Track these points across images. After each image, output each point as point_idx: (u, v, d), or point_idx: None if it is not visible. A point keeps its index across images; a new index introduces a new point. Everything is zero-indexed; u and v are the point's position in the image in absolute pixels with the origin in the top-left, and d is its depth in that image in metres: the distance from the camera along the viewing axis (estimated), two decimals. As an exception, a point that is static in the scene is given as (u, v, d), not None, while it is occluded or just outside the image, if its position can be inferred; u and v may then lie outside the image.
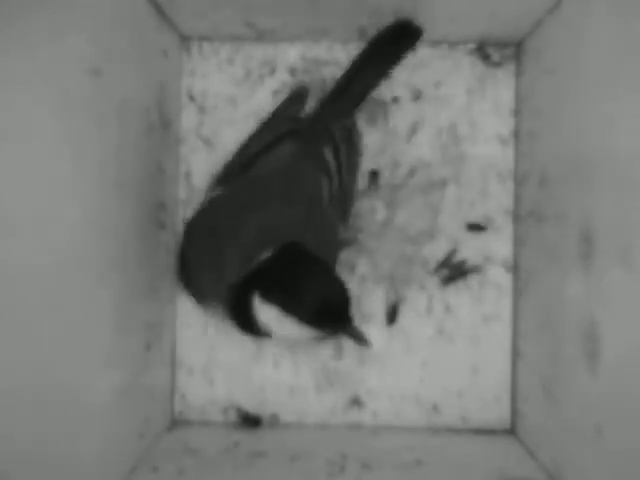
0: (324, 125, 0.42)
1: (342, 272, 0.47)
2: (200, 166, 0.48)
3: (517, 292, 0.47)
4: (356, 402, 0.48)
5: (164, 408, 0.46)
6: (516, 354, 0.47)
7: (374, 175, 0.47)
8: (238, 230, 0.37)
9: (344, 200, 0.42)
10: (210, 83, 0.48)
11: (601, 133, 0.33)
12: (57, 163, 0.30)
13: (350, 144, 0.43)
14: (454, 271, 0.47)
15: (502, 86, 0.48)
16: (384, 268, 0.48)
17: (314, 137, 0.41)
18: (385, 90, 0.48)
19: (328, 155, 0.41)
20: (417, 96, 0.48)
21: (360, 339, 0.38)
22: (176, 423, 0.47)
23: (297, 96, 0.45)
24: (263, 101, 0.48)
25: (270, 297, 0.35)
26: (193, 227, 0.40)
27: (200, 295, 0.40)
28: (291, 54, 0.48)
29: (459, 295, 0.48)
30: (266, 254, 0.36)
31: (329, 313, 0.36)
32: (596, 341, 0.33)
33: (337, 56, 0.48)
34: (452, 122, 0.48)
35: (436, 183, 0.48)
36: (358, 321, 0.47)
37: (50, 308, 0.29)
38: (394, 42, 0.42)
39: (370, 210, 0.47)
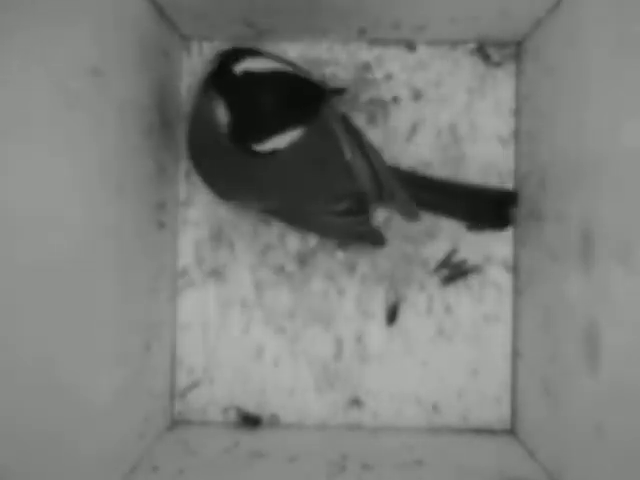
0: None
1: (342, 272, 0.48)
2: (200, 166, 0.48)
3: (517, 292, 0.47)
4: (356, 402, 0.48)
5: (164, 408, 0.46)
6: (516, 354, 0.47)
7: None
8: None
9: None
10: (210, 83, 0.48)
11: (601, 133, 0.33)
12: (57, 163, 0.30)
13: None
14: (454, 271, 0.47)
15: (502, 86, 0.48)
16: (384, 268, 0.48)
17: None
18: (385, 90, 0.48)
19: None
20: (417, 96, 0.48)
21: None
22: (176, 423, 0.47)
23: None
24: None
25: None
26: None
27: None
28: (291, 54, 0.48)
29: (459, 295, 0.48)
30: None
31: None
32: (596, 341, 0.33)
33: (337, 56, 0.48)
34: (452, 122, 0.48)
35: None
36: (359, 321, 0.48)
37: (50, 308, 0.29)
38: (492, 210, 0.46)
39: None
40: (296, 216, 0.44)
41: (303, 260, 0.48)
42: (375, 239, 0.45)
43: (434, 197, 0.45)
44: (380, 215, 0.47)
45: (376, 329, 0.48)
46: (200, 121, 0.39)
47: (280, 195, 0.41)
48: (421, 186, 0.45)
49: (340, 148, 0.41)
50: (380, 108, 0.48)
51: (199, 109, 0.39)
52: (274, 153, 0.37)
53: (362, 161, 0.42)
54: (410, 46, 0.48)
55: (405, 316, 0.48)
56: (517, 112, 0.47)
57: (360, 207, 0.43)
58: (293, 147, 0.38)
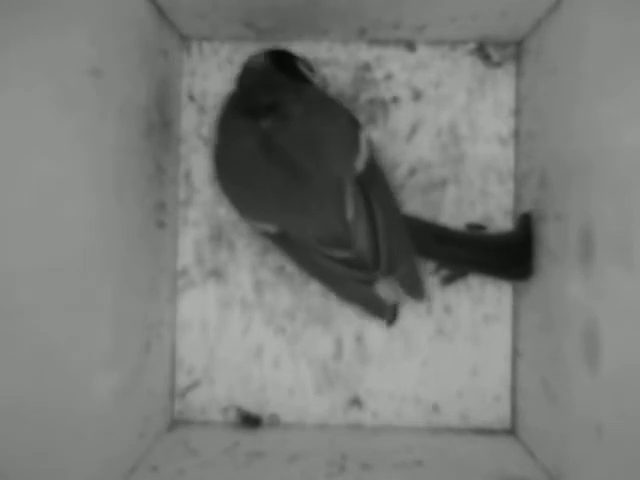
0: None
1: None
2: (200, 166, 0.48)
3: (517, 292, 0.47)
4: (356, 402, 0.48)
5: (164, 408, 0.46)
6: (516, 354, 0.47)
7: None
8: None
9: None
10: (210, 83, 0.48)
11: (601, 133, 0.33)
12: (56, 163, 0.30)
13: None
14: (454, 271, 0.47)
15: (502, 86, 0.48)
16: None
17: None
18: (385, 90, 0.48)
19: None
20: (417, 96, 0.48)
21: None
22: (176, 423, 0.47)
23: None
24: (263, 101, 0.48)
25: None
26: None
27: None
28: (291, 54, 0.48)
29: (459, 295, 0.48)
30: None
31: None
32: (596, 341, 0.33)
33: (337, 56, 0.48)
34: (452, 122, 0.48)
35: (436, 183, 0.48)
36: (359, 321, 0.48)
37: (50, 309, 0.29)
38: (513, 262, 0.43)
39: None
40: (297, 252, 0.41)
41: (303, 260, 0.48)
42: (376, 309, 0.42)
43: (454, 250, 0.43)
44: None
45: (376, 329, 0.48)
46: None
47: (271, 217, 0.41)
48: (441, 237, 0.43)
49: (343, 206, 0.39)
50: (380, 108, 0.48)
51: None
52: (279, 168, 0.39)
53: (364, 226, 0.39)
54: (410, 46, 0.48)
55: (405, 316, 0.48)
56: (517, 112, 0.47)
57: (363, 264, 0.40)
58: (293, 178, 0.39)
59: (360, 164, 0.40)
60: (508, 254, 0.43)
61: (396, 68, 0.48)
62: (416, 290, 0.41)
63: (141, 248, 0.40)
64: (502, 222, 0.47)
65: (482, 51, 0.48)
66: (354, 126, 0.41)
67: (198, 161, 0.48)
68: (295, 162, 0.39)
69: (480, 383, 0.47)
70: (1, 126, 0.25)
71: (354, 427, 0.47)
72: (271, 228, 0.41)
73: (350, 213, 0.39)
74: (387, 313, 0.42)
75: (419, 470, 0.40)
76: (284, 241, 0.41)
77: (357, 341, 0.48)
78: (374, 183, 0.40)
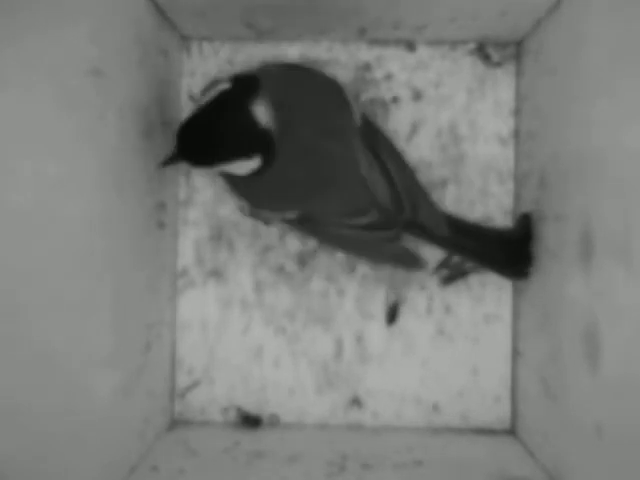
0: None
1: (342, 272, 0.48)
2: (200, 166, 0.48)
3: (517, 292, 0.47)
4: (356, 402, 0.48)
5: (164, 408, 0.46)
6: (516, 354, 0.47)
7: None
8: None
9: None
10: (210, 83, 0.48)
11: (601, 133, 0.33)
12: (57, 163, 0.30)
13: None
14: (454, 271, 0.47)
15: (502, 86, 0.48)
16: (384, 268, 0.48)
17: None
18: (385, 90, 0.48)
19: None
20: (417, 96, 0.48)
21: None
22: (176, 423, 0.47)
23: None
24: (263, 101, 0.48)
25: None
26: None
27: None
28: (291, 54, 0.48)
29: (459, 295, 0.48)
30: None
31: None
32: (596, 341, 0.33)
33: (337, 56, 0.48)
34: (452, 122, 0.48)
35: (436, 183, 0.48)
36: (359, 321, 0.48)
37: (50, 308, 0.29)
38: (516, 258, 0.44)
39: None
40: (319, 229, 0.42)
41: (303, 260, 0.48)
42: (409, 261, 0.43)
43: (457, 237, 0.43)
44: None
45: (376, 329, 0.48)
46: None
47: (293, 204, 0.41)
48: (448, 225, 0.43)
49: (356, 161, 0.40)
50: (380, 108, 0.48)
51: None
52: (284, 162, 0.37)
53: (379, 175, 0.41)
54: (410, 46, 0.48)
55: (405, 316, 0.48)
56: (517, 112, 0.47)
57: (385, 222, 0.41)
58: (305, 156, 0.38)
59: (357, 120, 0.41)
60: (508, 248, 0.44)
61: (396, 68, 0.48)
62: (441, 225, 0.43)
63: (141, 248, 0.40)
64: (502, 222, 0.47)
65: (482, 51, 0.48)
66: (340, 88, 0.41)
67: (198, 161, 0.48)
68: (306, 138, 0.38)
69: (480, 383, 0.47)
70: (1, 126, 0.25)
71: (354, 427, 0.47)
72: (291, 214, 0.41)
73: (364, 169, 0.40)
74: (420, 262, 0.44)
75: (419, 470, 0.40)
76: (305, 222, 0.42)
77: (357, 341, 0.48)
78: (373, 134, 0.42)
